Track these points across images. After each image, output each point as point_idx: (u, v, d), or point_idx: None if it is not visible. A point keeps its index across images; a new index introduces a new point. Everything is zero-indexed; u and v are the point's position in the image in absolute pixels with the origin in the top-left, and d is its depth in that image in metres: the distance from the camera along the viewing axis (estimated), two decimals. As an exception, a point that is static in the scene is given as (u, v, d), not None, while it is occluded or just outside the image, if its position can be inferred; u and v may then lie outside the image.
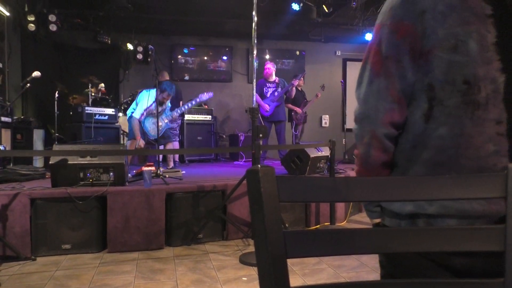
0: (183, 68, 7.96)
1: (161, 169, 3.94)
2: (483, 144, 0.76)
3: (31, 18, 5.96)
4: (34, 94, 6.24)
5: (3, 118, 4.44)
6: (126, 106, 6.14)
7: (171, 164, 5.38)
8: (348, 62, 8.77)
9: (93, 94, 5.80)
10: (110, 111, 5.59)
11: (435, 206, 0.78)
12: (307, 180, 0.64)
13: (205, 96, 5.19)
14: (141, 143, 4.72)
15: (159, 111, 4.49)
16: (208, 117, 6.88)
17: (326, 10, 6.56)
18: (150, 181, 3.41)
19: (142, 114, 4.80)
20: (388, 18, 0.82)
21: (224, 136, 7.64)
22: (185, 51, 7.97)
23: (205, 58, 8.09)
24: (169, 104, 5.11)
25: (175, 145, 5.49)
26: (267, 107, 5.85)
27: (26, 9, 6.04)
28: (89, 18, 6.66)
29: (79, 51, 7.18)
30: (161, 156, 4.79)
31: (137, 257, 3.09)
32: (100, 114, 5.40)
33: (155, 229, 3.28)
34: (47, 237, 3.10)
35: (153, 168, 3.70)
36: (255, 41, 3.22)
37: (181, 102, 6.36)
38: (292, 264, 2.88)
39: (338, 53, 8.73)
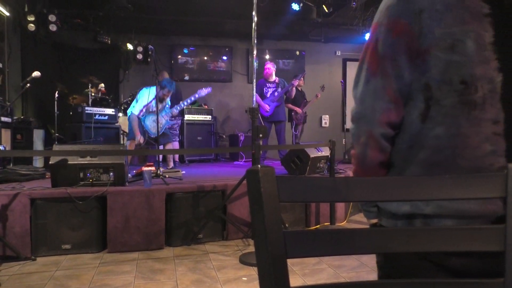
0: (183, 68, 7.96)
1: (161, 169, 3.94)
2: (480, 144, 0.76)
3: (31, 18, 5.95)
4: (34, 94, 6.23)
5: (3, 118, 4.44)
6: (126, 106, 6.14)
7: (171, 164, 5.38)
8: (348, 62, 8.77)
9: (93, 94, 5.81)
10: (110, 111, 5.59)
11: (432, 206, 0.78)
12: (307, 180, 0.64)
13: (203, 91, 5.19)
14: (141, 139, 4.70)
15: (159, 108, 4.48)
16: (208, 117, 6.87)
17: (326, 10, 6.56)
18: (150, 181, 3.41)
19: (141, 111, 4.77)
20: (385, 17, 0.82)
21: (224, 136, 7.64)
22: (185, 51, 7.97)
23: (205, 58, 8.08)
24: (169, 102, 5.11)
25: (175, 145, 5.49)
26: (267, 107, 5.84)
27: (26, 9, 6.03)
28: (89, 18, 6.65)
29: (79, 51, 7.18)
30: (161, 156, 4.79)
31: (137, 257, 3.09)
32: (100, 114, 5.41)
33: (155, 229, 3.28)
34: (47, 237, 3.10)
35: (153, 168, 3.70)
36: (255, 41, 3.22)
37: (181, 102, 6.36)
38: (292, 264, 2.88)
39: (338, 53, 8.73)
